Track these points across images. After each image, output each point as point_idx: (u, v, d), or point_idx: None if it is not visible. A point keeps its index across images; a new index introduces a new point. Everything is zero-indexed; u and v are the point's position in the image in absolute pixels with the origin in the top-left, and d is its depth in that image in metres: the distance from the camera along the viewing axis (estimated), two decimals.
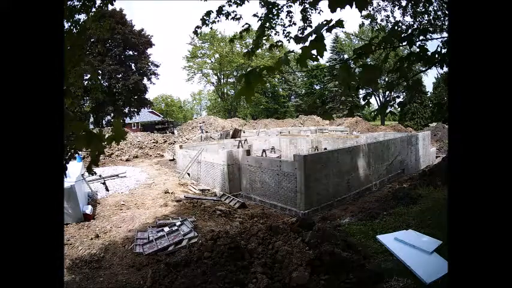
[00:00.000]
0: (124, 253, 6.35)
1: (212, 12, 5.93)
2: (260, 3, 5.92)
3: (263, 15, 5.87)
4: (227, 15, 5.91)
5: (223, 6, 5.83)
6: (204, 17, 5.99)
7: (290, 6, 5.98)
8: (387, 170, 12.05)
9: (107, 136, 1.74)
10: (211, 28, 6.36)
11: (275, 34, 6.23)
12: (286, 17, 6.20)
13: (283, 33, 6.32)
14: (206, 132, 16.42)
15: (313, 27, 1.79)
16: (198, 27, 6.23)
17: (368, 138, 15.53)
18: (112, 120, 29.43)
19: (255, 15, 6.04)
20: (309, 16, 6.18)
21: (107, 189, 9.95)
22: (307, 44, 1.69)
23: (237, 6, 5.87)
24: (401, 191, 7.84)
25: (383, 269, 3.55)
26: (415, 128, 30.34)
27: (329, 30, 1.78)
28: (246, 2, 5.90)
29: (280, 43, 5.75)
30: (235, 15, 5.96)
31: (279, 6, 5.82)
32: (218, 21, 6.00)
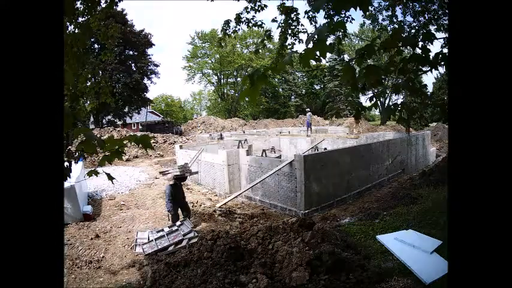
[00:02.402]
0: (124, 253, 6.34)
1: (231, 21, 5.85)
2: (278, 9, 5.80)
3: (282, 21, 5.77)
4: (247, 22, 5.82)
5: (241, 13, 5.73)
6: (224, 27, 5.91)
7: (314, 11, 5.89)
8: (387, 170, 12.05)
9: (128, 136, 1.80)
10: (235, 37, 6.34)
11: (299, 42, 6.08)
12: (310, 24, 6.10)
13: None
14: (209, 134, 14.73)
15: (315, 29, 1.80)
16: (221, 39, 6.19)
17: (368, 138, 15.53)
18: (113, 120, 29.46)
19: (274, 20, 5.93)
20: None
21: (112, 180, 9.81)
22: (310, 45, 1.69)
23: (255, 13, 5.77)
24: (401, 191, 7.85)
25: (383, 269, 3.55)
26: (415, 128, 30.32)
27: (331, 31, 1.78)
28: (264, 7, 5.77)
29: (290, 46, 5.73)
30: (256, 22, 5.85)
31: (298, 11, 5.71)
32: (239, 29, 5.93)
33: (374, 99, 2.64)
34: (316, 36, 1.66)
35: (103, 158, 1.80)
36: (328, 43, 1.69)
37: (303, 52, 1.68)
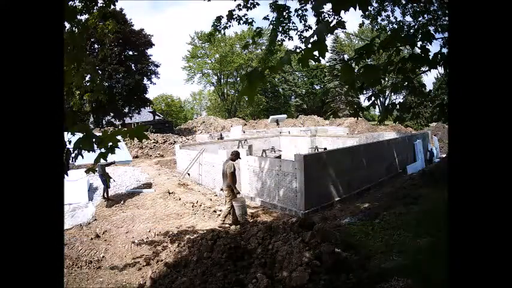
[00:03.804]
0: (124, 253, 6.35)
1: (222, 17, 5.86)
2: (270, 6, 5.83)
3: (274, 19, 5.80)
4: (238, 20, 5.84)
5: (234, 10, 5.75)
6: (215, 23, 5.93)
7: (305, 10, 5.93)
8: (387, 170, 12.05)
9: (125, 131, 1.76)
10: (224, 34, 6.31)
11: (289, 39, 6.15)
12: (300, 21, 6.15)
13: (299, 38, 6.24)
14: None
15: (314, 29, 1.80)
16: (211, 34, 6.20)
17: (368, 138, 15.53)
18: (112, 120, 29.45)
19: (265, 18, 5.95)
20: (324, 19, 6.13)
21: (108, 186, 10.02)
22: (309, 45, 1.69)
23: (247, 10, 5.80)
24: (401, 191, 7.84)
25: (383, 269, 3.55)
26: (415, 128, 30.33)
27: (330, 31, 1.78)
28: (256, 5, 5.80)
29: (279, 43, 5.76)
30: (247, 19, 5.88)
31: (290, 9, 5.75)
32: (230, 26, 5.94)
33: (372, 99, 2.64)
34: (315, 37, 1.66)
35: (99, 155, 1.79)
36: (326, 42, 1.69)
37: (302, 53, 1.68)
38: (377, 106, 38.95)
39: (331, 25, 1.74)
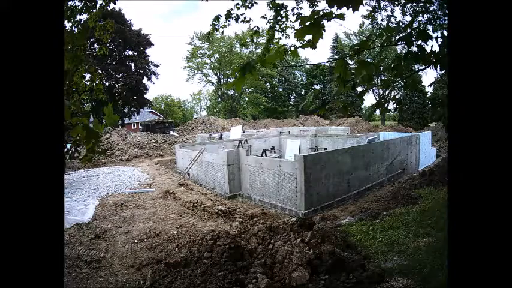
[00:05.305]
0: (124, 253, 6.34)
1: (221, 16, 5.90)
2: (268, 5, 5.89)
3: (271, 18, 5.85)
4: (236, 18, 5.89)
5: (232, 9, 5.80)
6: (214, 22, 5.98)
7: (301, 8, 5.99)
8: (387, 170, 12.04)
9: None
10: (222, 32, 6.37)
11: (286, 37, 6.24)
12: (296, 21, 6.21)
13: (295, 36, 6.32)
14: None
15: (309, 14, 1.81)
16: (209, 33, 6.26)
17: (368, 138, 15.53)
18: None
19: (263, 17, 6.01)
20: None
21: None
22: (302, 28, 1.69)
23: (245, 9, 5.85)
24: (401, 191, 7.85)
25: (383, 269, 3.55)
26: (415, 128, 30.32)
27: (329, 19, 1.78)
28: (254, 4, 5.84)
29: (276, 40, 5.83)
30: (245, 18, 5.94)
31: (287, 8, 5.80)
32: (228, 25, 5.99)
33: (362, 95, 2.66)
34: (312, 20, 1.66)
35: (87, 151, 1.82)
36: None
37: (299, 28, 1.68)
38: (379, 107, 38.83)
39: (333, 16, 1.75)
